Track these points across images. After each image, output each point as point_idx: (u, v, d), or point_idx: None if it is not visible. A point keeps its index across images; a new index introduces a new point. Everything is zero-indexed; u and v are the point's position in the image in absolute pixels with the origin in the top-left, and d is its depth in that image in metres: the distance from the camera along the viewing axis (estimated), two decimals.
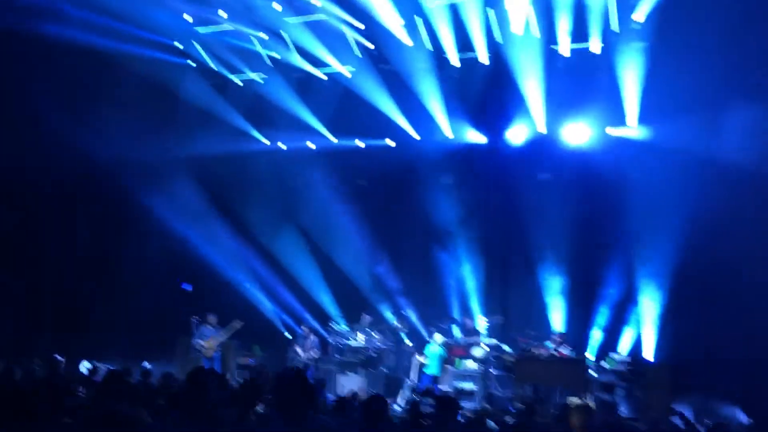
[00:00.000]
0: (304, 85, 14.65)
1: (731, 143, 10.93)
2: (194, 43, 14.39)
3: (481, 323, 13.12)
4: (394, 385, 12.52)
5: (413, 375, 12.20)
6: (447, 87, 13.71)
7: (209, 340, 12.80)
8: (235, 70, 14.85)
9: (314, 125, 14.76)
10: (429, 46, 13.30)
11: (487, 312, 13.47)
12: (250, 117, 15.20)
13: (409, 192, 14.16)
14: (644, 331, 12.20)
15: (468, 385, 11.79)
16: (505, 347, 12.56)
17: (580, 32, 12.36)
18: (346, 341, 13.23)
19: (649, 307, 12.18)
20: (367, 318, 13.64)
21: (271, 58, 14.32)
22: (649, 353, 12.06)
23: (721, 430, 4.92)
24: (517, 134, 13.74)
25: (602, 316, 12.60)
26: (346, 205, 14.10)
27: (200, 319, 13.05)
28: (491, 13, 12.42)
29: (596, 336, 12.58)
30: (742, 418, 9.80)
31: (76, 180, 14.02)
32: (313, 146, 15.03)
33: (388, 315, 14.14)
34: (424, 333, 13.49)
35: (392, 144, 14.55)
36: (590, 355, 12.15)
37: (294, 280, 14.52)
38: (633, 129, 12.71)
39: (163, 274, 14.70)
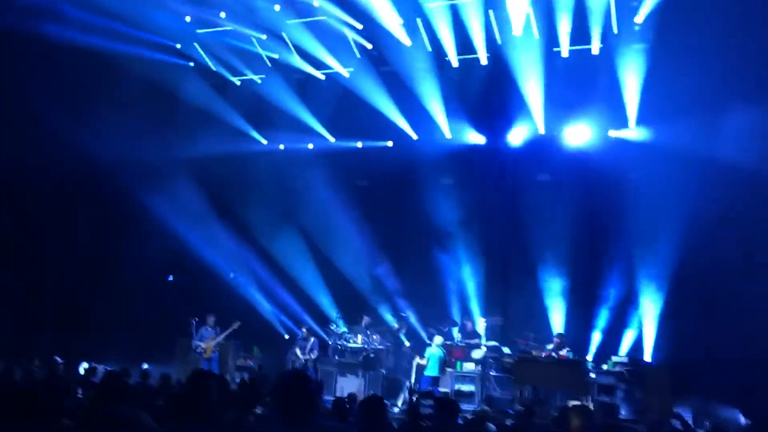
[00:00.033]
0: (303, 85, 14.66)
1: (731, 145, 10.92)
2: (194, 44, 14.39)
3: (481, 325, 13.13)
4: (394, 386, 12.51)
5: (413, 377, 12.20)
6: (447, 88, 13.73)
7: (208, 341, 12.79)
8: (234, 71, 14.86)
9: (314, 126, 14.78)
10: (429, 46, 13.30)
11: (487, 313, 13.47)
12: (249, 118, 15.22)
13: (408, 193, 14.16)
14: (644, 332, 12.20)
15: (467, 387, 11.78)
16: (505, 349, 12.57)
17: (580, 34, 12.37)
18: (346, 343, 13.22)
19: (649, 308, 12.18)
20: (366, 319, 13.64)
21: (271, 59, 14.32)
22: (648, 355, 12.06)
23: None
24: (517, 135, 13.75)
25: (602, 318, 12.59)
26: (345, 206, 14.09)
27: (199, 320, 13.05)
28: (491, 14, 12.42)
29: (596, 338, 12.58)
30: (742, 419, 9.80)
31: (76, 180, 14.02)
32: (311, 146, 15.04)
33: (388, 316, 14.13)
34: (423, 335, 13.48)
35: (391, 145, 14.54)
36: (590, 356, 12.15)
37: (293, 282, 14.51)
38: (633, 130, 12.72)
39: (162, 274, 14.70)
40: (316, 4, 12.67)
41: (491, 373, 12.38)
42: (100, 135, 13.26)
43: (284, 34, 13.60)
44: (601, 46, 12.43)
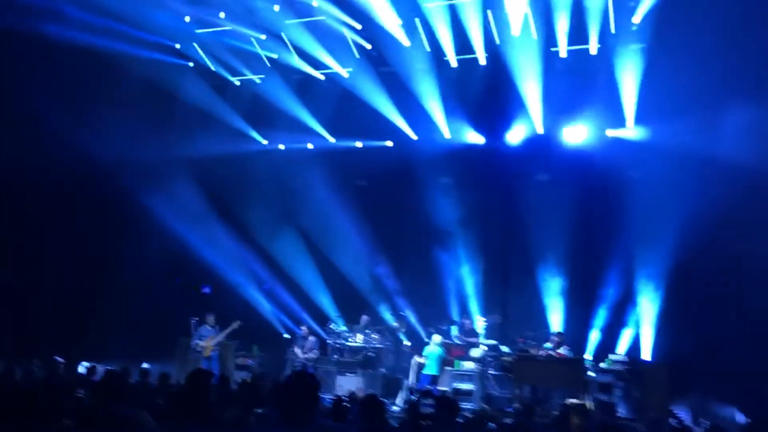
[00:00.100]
0: (303, 86, 14.68)
1: (729, 144, 10.94)
2: (194, 44, 14.41)
3: (480, 324, 13.16)
4: (393, 385, 12.55)
5: (412, 376, 12.23)
6: (445, 88, 13.75)
7: (207, 340, 12.82)
8: (234, 71, 14.88)
9: (313, 126, 14.80)
10: (427, 47, 13.33)
11: (486, 312, 13.51)
12: (249, 118, 15.24)
13: (408, 193, 14.18)
14: (643, 331, 12.23)
15: (466, 386, 11.81)
16: (504, 348, 12.60)
17: (578, 34, 12.39)
18: (345, 342, 13.25)
19: (647, 307, 12.21)
20: (365, 318, 13.67)
21: (270, 59, 14.34)
22: (647, 353, 12.09)
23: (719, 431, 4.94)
24: (515, 135, 13.78)
25: (600, 317, 12.63)
26: (345, 206, 14.12)
27: (199, 319, 13.08)
28: (490, 14, 12.45)
29: (594, 336, 12.61)
30: (740, 418, 9.84)
31: (76, 180, 14.03)
32: (311, 146, 15.07)
33: (387, 315, 14.16)
34: (422, 333, 13.51)
35: (391, 145, 14.57)
36: (588, 355, 12.19)
37: (293, 281, 14.54)
38: (631, 129, 12.76)
39: (162, 274, 14.72)
40: (315, 4, 12.69)
41: (490, 372, 12.41)
42: (99, 135, 13.26)
43: (283, 35, 13.62)
44: (599, 45, 12.45)
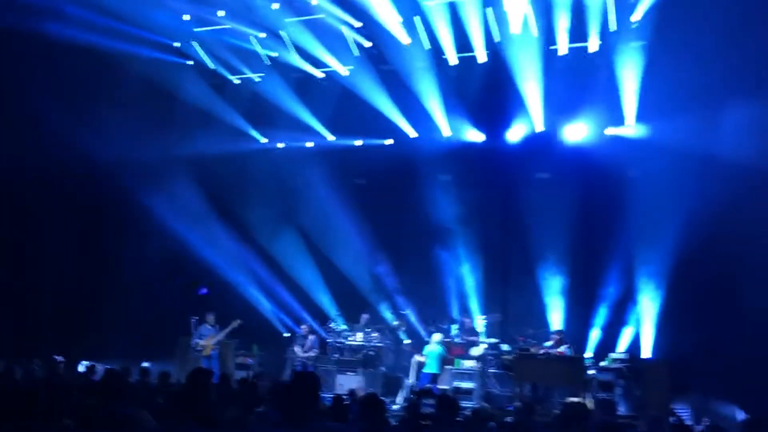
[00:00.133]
0: (302, 84, 14.66)
1: (729, 141, 10.94)
2: (193, 42, 14.39)
3: (480, 322, 13.15)
4: (393, 384, 12.54)
5: (412, 374, 12.23)
6: (445, 86, 13.74)
7: (207, 339, 12.82)
8: (233, 70, 14.86)
9: (313, 125, 14.79)
10: (427, 45, 13.31)
11: (486, 311, 13.50)
12: (248, 116, 15.22)
13: (407, 191, 14.17)
14: (643, 329, 12.21)
15: (466, 384, 11.80)
16: (504, 346, 12.59)
17: (578, 31, 12.39)
18: (345, 341, 13.25)
19: (647, 304, 12.19)
20: (365, 317, 13.66)
21: (270, 58, 14.32)
22: (647, 352, 12.08)
23: (719, 431, 4.92)
24: (515, 133, 13.76)
25: (601, 315, 12.61)
26: (344, 205, 14.10)
27: (199, 318, 13.08)
28: (489, 12, 12.43)
29: (594, 335, 12.60)
30: (741, 416, 9.82)
31: (76, 180, 14.02)
32: (311, 144, 15.05)
33: (387, 314, 14.15)
34: (422, 332, 13.51)
35: (390, 143, 14.56)
36: (589, 353, 12.18)
37: (293, 280, 14.52)
38: (631, 127, 12.74)
39: (162, 274, 14.70)
40: (314, 2, 12.68)
41: (490, 370, 12.41)
42: (99, 134, 13.26)
43: (283, 33, 13.61)
44: (599, 43, 12.44)
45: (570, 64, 12.77)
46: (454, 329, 13.27)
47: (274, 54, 14.18)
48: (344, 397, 7.39)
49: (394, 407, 11.16)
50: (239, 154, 15.03)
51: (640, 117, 12.59)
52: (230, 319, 12.99)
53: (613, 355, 11.53)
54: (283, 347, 13.72)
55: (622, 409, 10.64)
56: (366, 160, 14.45)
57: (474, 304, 13.74)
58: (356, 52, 13.73)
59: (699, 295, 11.46)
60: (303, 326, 13.48)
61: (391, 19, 12.68)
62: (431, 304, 13.95)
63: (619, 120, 12.79)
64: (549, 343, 11.74)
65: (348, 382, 12.18)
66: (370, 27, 13.01)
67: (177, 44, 14.46)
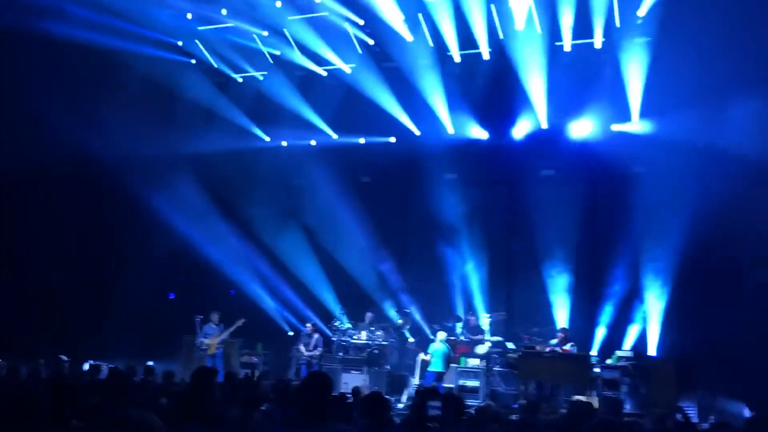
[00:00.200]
0: (305, 82, 14.63)
1: (735, 137, 10.87)
2: (196, 41, 14.37)
3: (485, 320, 13.11)
4: (398, 382, 12.52)
5: (417, 373, 12.20)
6: (449, 83, 13.68)
7: (212, 338, 12.81)
8: (236, 68, 14.84)
9: (316, 123, 14.76)
10: (431, 42, 13.26)
11: (491, 309, 13.46)
12: (252, 115, 15.20)
13: (411, 189, 14.15)
14: (649, 327, 12.17)
15: (471, 383, 11.77)
16: (509, 344, 12.55)
17: (582, 28, 12.31)
18: (350, 339, 13.23)
19: (654, 302, 12.14)
20: (370, 315, 13.64)
21: (273, 56, 14.30)
22: (653, 349, 12.03)
23: (725, 428, 4.88)
24: (520, 130, 13.71)
25: (606, 313, 12.57)
26: (348, 203, 14.08)
27: (203, 317, 13.07)
28: (493, 8, 12.38)
29: (600, 333, 12.55)
30: (747, 413, 9.76)
31: (79, 179, 14.03)
32: (314, 142, 15.03)
33: (392, 312, 14.12)
34: (427, 330, 13.48)
35: (394, 140, 14.52)
36: (594, 351, 12.13)
37: (297, 278, 14.51)
38: (636, 123, 12.67)
39: (166, 272, 14.70)
40: (317, 0, 12.64)
41: (495, 369, 12.38)
42: (102, 133, 13.27)
43: (286, 31, 13.57)
44: (604, 39, 12.38)
45: (575, 61, 12.72)
46: (459, 327, 13.24)
47: (277, 52, 14.16)
48: (347, 395, 7.38)
49: (400, 406, 11.13)
50: (243, 152, 15.00)
51: (646, 113, 12.52)
52: (234, 318, 12.98)
53: (619, 353, 11.48)
54: (288, 346, 13.70)
55: (628, 407, 10.60)
56: (370, 158, 14.43)
57: (479, 302, 13.71)
58: (359, 49, 13.69)
59: (705, 292, 11.41)
60: (307, 325, 13.46)
61: (394, 17, 12.64)
62: (436, 302, 13.93)
63: (624, 116, 12.72)
64: (554, 341, 11.71)
65: (353, 381, 12.16)
66: (374, 24, 12.96)
67: (180, 43, 14.45)
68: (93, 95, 13.56)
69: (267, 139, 15.46)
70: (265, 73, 14.78)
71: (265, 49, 14.13)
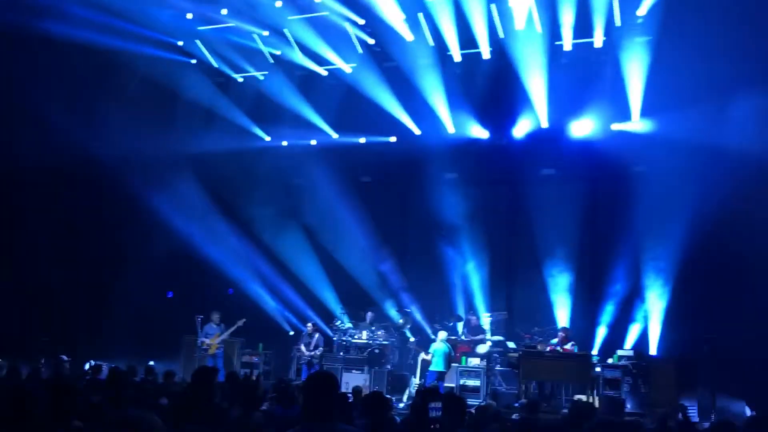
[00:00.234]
0: (306, 82, 14.63)
1: (737, 135, 10.86)
2: (196, 41, 14.36)
3: (485, 319, 13.11)
4: (399, 382, 12.52)
5: (418, 372, 12.20)
6: (449, 82, 13.67)
7: (212, 338, 12.83)
8: (237, 68, 14.83)
9: (317, 122, 14.75)
10: (431, 41, 13.25)
11: (492, 308, 13.46)
12: (252, 115, 15.19)
13: (412, 188, 14.14)
14: (650, 326, 12.16)
15: (472, 382, 11.77)
16: (510, 344, 12.56)
17: (583, 27, 12.31)
18: (350, 339, 13.23)
19: (655, 302, 12.14)
20: (370, 315, 13.64)
21: (273, 56, 14.29)
22: (654, 349, 12.03)
23: (726, 427, 4.87)
24: (520, 129, 13.71)
25: (607, 312, 12.57)
26: (349, 202, 14.08)
27: (204, 317, 13.07)
28: (494, 8, 12.37)
29: (601, 332, 12.55)
30: (748, 412, 9.76)
31: (80, 179, 14.03)
32: (315, 142, 15.03)
33: (392, 312, 14.12)
34: (428, 330, 13.48)
35: (394, 140, 14.52)
36: (595, 351, 12.13)
37: (297, 278, 14.51)
38: (636, 123, 12.67)
39: (167, 272, 14.70)
40: (317, 0, 12.64)
41: (496, 368, 12.39)
42: (102, 133, 13.27)
43: (286, 31, 13.57)
44: (604, 39, 12.38)
45: (575, 60, 12.73)
46: (460, 327, 13.24)
47: (277, 52, 14.15)
48: (348, 395, 7.38)
49: (400, 405, 11.14)
50: (243, 152, 14.99)
51: (646, 112, 12.52)
52: (235, 318, 12.99)
53: (620, 352, 11.48)
54: (289, 346, 13.71)
55: (629, 406, 10.58)
56: (370, 157, 14.43)
57: (480, 302, 13.71)
58: (360, 49, 13.68)
59: (706, 291, 11.41)
60: (308, 324, 13.46)
61: (394, 16, 12.64)
62: (437, 301, 13.93)
63: (625, 115, 12.71)
64: (555, 341, 11.71)
65: (354, 381, 12.16)
66: (374, 24, 12.96)
67: (180, 43, 14.43)
68: (93, 95, 13.56)
69: (267, 138, 15.46)
70: (266, 72, 14.77)
71: (265, 49, 14.13)
